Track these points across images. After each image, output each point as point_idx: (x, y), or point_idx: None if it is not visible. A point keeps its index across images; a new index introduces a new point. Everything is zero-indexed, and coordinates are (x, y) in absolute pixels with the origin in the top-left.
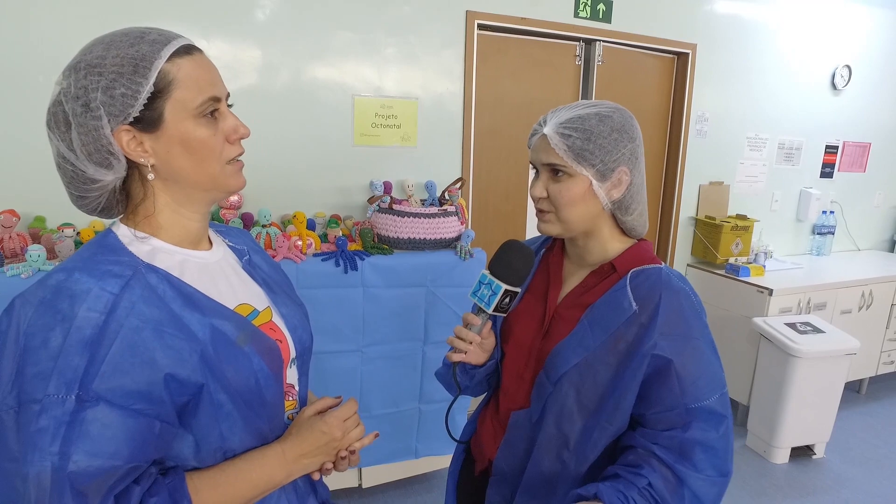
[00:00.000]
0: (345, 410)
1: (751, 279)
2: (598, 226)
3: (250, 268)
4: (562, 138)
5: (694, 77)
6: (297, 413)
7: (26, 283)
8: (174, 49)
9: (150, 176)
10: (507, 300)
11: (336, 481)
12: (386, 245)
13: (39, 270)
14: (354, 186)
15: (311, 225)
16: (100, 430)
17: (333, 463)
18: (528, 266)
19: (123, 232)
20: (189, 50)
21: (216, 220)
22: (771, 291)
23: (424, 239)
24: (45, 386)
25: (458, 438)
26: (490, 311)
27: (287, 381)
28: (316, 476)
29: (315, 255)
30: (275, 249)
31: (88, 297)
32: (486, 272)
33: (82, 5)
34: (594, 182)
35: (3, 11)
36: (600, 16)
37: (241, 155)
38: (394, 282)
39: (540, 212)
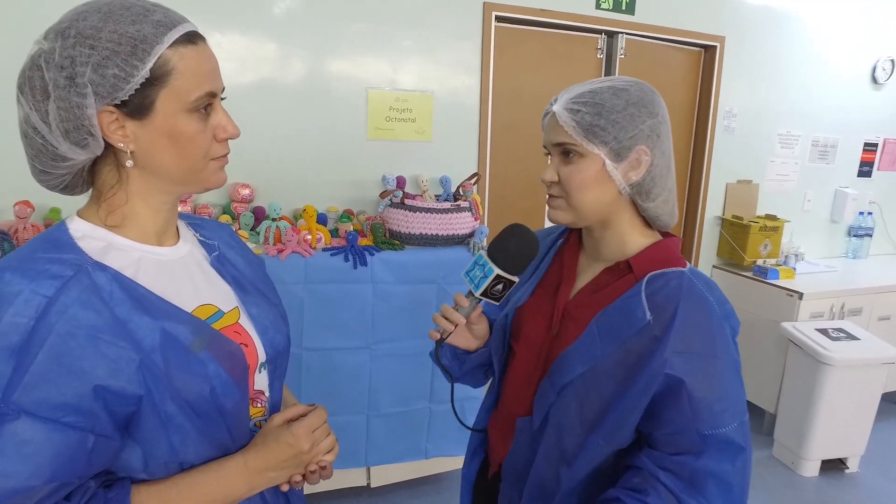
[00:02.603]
0: (313, 420)
1: (780, 282)
2: (615, 214)
3: (219, 265)
4: (570, 114)
5: (722, 71)
6: (265, 421)
7: None
8: (178, 35)
9: (129, 163)
10: (500, 287)
11: (344, 480)
12: (397, 241)
13: None
14: (368, 181)
15: (322, 219)
16: (16, 448)
17: (303, 476)
18: (528, 253)
19: (77, 226)
20: (193, 38)
21: (228, 214)
22: (801, 295)
23: (436, 235)
24: None
25: (471, 427)
26: (477, 293)
27: (255, 387)
28: (285, 488)
29: (324, 249)
30: (284, 243)
31: (17, 301)
32: (483, 253)
33: None
34: (608, 162)
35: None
36: (623, 7)
37: (226, 154)
38: (404, 278)
39: (551, 198)
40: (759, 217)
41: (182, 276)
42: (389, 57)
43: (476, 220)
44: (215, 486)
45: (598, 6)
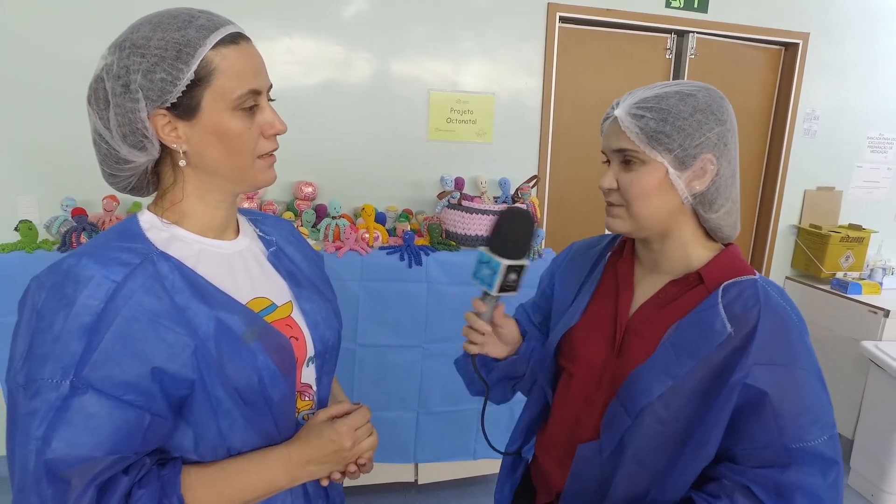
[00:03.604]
0: (357, 418)
1: (862, 297)
2: (677, 225)
3: (276, 259)
4: (634, 119)
5: (804, 70)
6: (312, 414)
7: None
8: (221, 37)
9: (182, 162)
10: (514, 276)
11: (392, 475)
12: (454, 241)
13: None
14: (427, 181)
15: (380, 218)
16: (83, 421)
17: (342, 472)
18: (526, 231)
19: (146, 218)
20: (236, 38)
21: (291, 211)
22: (887, 313)
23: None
24: (43, 368)
25: (503, 450)
26: (494, 292)
27: (302, 381)
28: (324, 482)
29: (381, 248)
30: (342, 241)
31: (90, 284)
32: (484, 249)
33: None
34: (671, 170)
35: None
36: (695, 5)
37: (274, 150)
38: (457, 279)
39: (609, 205)
40: (840, 226)
41: (239, 268)
42: (451, 59)
43: (534, 221)
44: (258, 475)
45: (668, 5)
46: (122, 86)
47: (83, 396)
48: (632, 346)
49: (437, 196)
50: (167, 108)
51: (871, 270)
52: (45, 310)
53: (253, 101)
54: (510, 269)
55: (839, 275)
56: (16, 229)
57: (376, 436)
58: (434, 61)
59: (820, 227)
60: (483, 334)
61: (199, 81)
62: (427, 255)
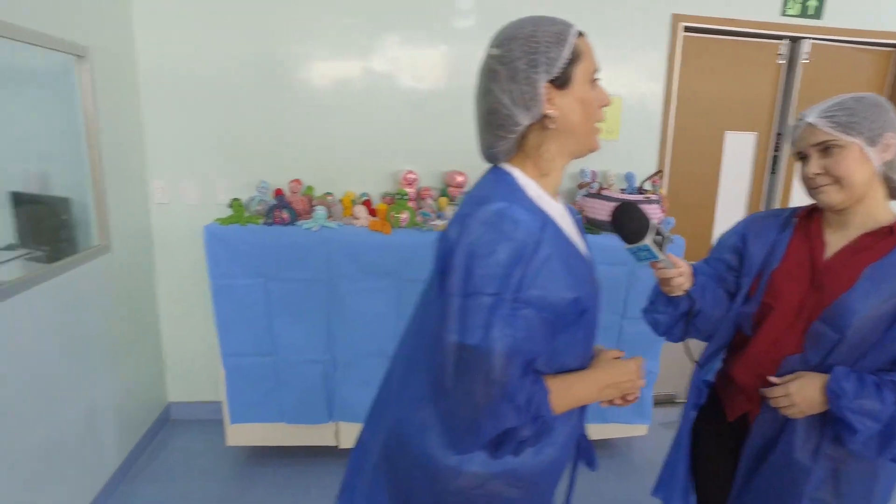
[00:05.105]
0: (641, 360)
1: None
2: (870, 189)
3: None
4: (827, 118)
5: None
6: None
7: (316, 234)
8: (576, 30)
9: (552, 126)
10: (659, 237)
11: None
12: (593, 226)
13: (323, 226)
14: (565, 173)
15: None
16: (526, 325)
17: (621, 399)
18: (639, 215)
19: (517, 175)
20: (581, 33)
21: (445, 196)
22: None
23: None
24: (492, 285)
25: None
26: (662, 255)
27: None
28: (605, 405)
29: None
30: None
31: (526, 226)
32: (627, 246)
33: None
34: (865, 147)
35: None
36: (810, 12)
37: (602, 120)
38: (599, 259)
39: (817, 187)
40: None
41: (569, 226)
42: None
43: (663, 212)
44: (579, 388)
45: (783, 13)
46: (526, 64)
47: (525, 310)
48: (831, 282)
49: (577, 186)
50: (550, 81)
51: None
52: (481, 240)
53: (596, 77)
54: (653, 241)
55: None
56: (229, 206)
57: (645, 381)
58: None
59: None
60: (680, 275)
61: (573, 60)
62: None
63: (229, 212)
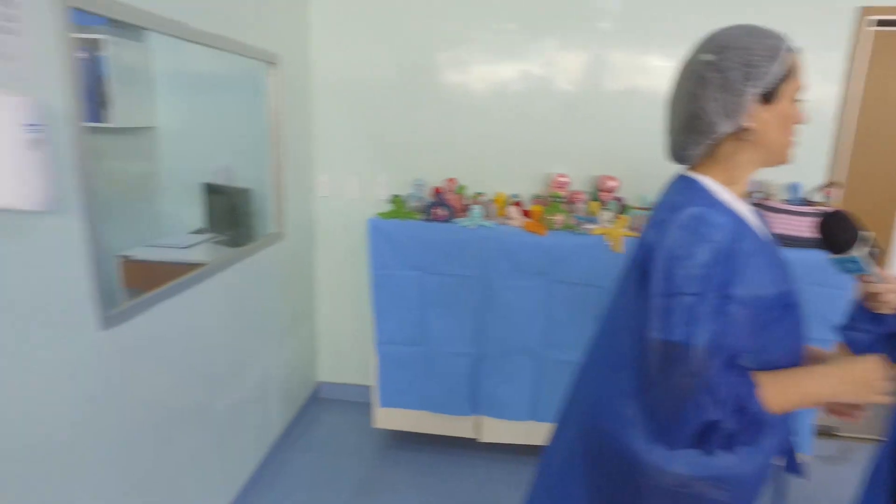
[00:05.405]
0: (882, 360)
1: None
2: None
3: None
4: None
5: None
6: None
7: (472, 232)
8: (790, 45)
9: (749, 138)
10: (868, 251)
11: None
12: None
13: (479, 225)
14: None
15: None
16: (728, 322)
17: (839, 411)
18: (851, 224)
19: (708, 183)
20: (793, 48)
21: (596, 200)
22: None
23: (797, 237)
24: (693, 285)
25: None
26: (873, 269)
27: None
28: (829, 414)
29: None
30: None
31: (722, 228)
32: (833, 257)
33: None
34: None
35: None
36: None
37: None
38: None
39: None
40: None
41: (760, 227)
42: None
43: None
44: (809, 384)
45: None
46: (740, 74)
47: (730, 306)
48: None
49: None
50: (757, 95)
51: None
52: (679, 242)
53: (801, 97)
54: (863, 255)
55: None
56: (390, 201)
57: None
58: None
59: None
60: (892, 291)
61: (785, 77)
62: None
63: (386, 206)
